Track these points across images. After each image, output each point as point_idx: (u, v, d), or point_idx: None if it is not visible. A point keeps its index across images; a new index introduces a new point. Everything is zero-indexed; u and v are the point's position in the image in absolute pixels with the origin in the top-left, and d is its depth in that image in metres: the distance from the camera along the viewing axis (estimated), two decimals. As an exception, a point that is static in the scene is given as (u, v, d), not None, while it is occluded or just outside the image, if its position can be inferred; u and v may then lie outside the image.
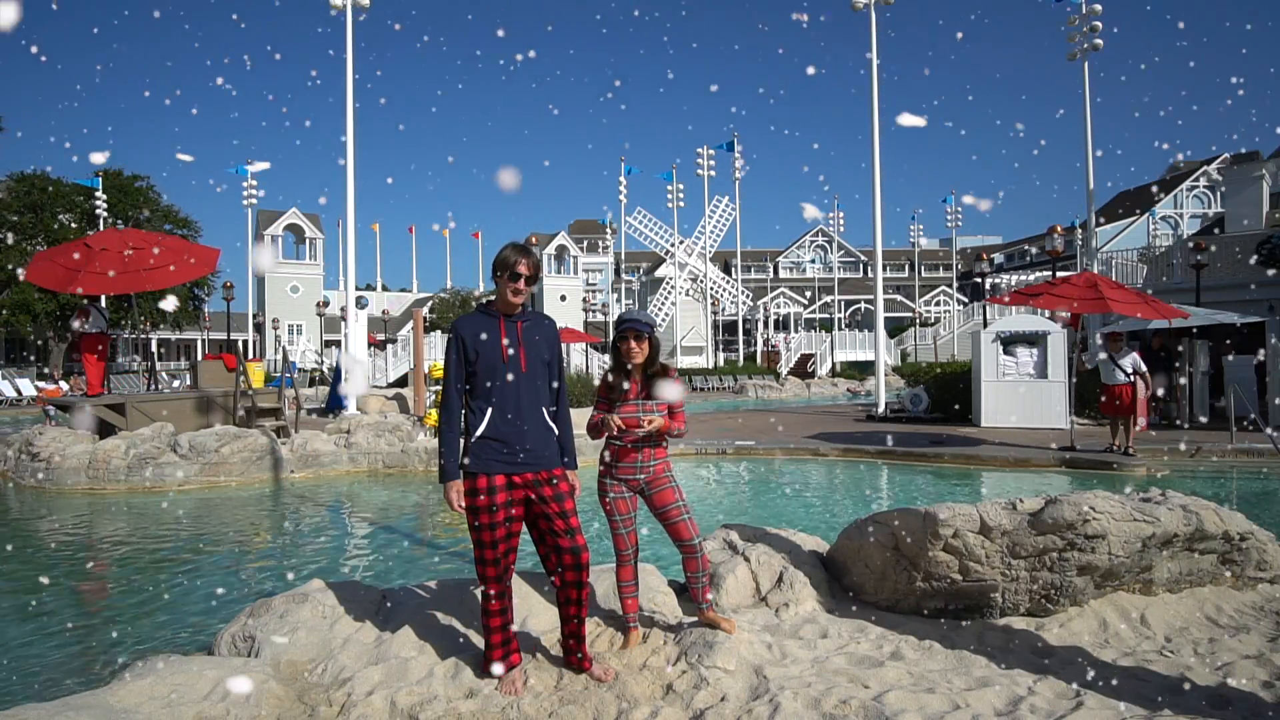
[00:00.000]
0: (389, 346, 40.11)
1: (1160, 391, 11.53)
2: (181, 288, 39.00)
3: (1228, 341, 15.22)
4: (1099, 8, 20.06)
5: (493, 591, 3.34)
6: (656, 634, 3.85)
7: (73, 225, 38.88)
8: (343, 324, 18.58)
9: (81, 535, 8.01)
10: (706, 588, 3.87)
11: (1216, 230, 27.95)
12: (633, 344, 3.67)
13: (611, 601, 4.07)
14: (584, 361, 36.50)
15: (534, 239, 51.84)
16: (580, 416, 4.97)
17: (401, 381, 34.31)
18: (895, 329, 53.06)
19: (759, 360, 43.79)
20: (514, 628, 3.47)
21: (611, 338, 3.78)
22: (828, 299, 68.56)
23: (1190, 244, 19.68)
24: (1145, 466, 10.69)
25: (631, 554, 3.80)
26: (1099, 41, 20.07)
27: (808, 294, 70.21)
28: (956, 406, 16.39)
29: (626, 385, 3.71)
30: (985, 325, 20.29)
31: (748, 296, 50.35)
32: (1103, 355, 11.71)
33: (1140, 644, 3.94)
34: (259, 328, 47.11)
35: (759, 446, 12.89)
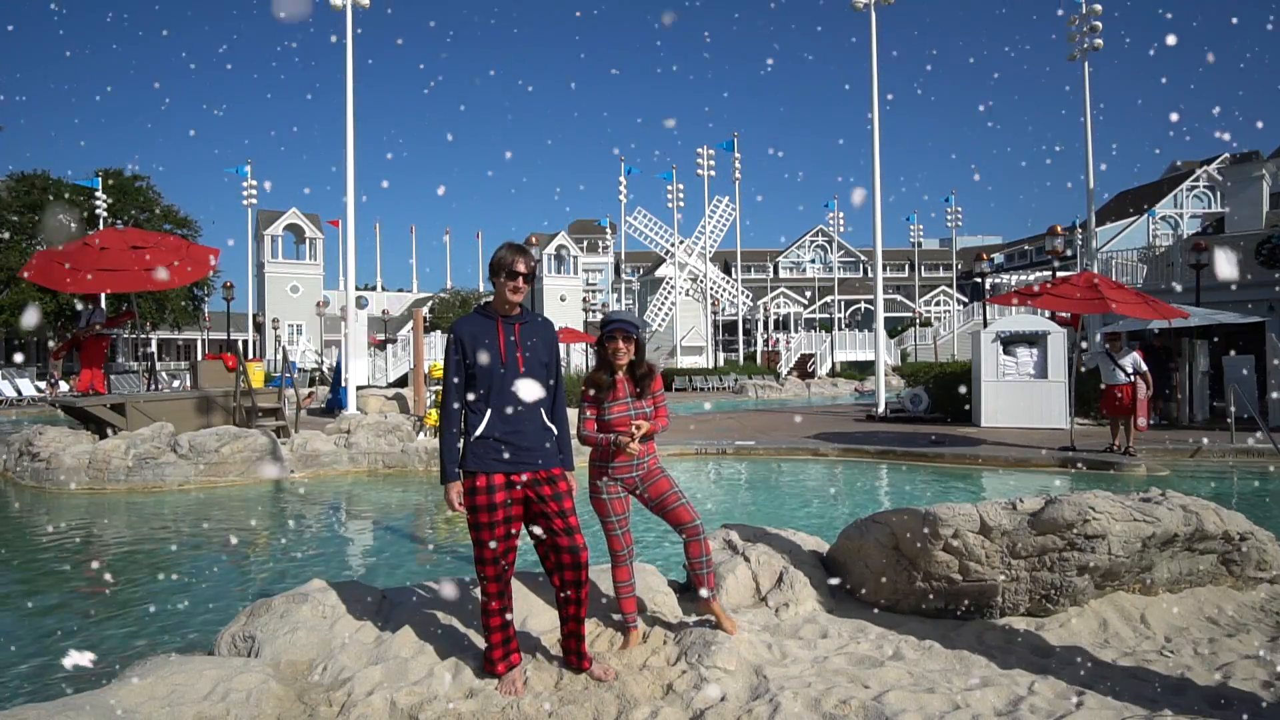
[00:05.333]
0: (389, 346, 40.09)
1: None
2: (181, 288, 38.96)
3: (1217, 346, 15.22)
4: (1099, 8, 20.06)
5: (493, 591, 3.34)
6: (656, 634, 3.85)
7: (72, 225, 38.88)
8: (343, 324, 18.57)
9: (81, 535, 8.01)
10: (711, 574, 3.86)
11: (1215, 230, 27.95)
12: (620, 344, 3.71)
13: (611, 601, 4.07)
14: (584, 361, 36.48)
15: (534, 239, 51.79)
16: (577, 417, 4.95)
17: (401, 381, 34.30)
18: (895, 329, 53.07)
19: (759, 360, 43.80)
20: (514, 628, 3.47)
21: (598, 337, 3.80)
22: (828, 299, 68.55)
23: (1191, 244, 19.68)
24: (1145, 466, 10.69)
25: (627, 554, 3.81)
26: (1099, 41, 20.07)
27: (808, 294, 70.19)
28: (966, 407, 16.36)
29: (613, 385, 3.73)
30: (985, 325, 20.29)
31: (748, 296, 50.35)
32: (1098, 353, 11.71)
33: (1140, 644, 3.94)
34: (259, 328, 47.08)
35: (759, 446, 12.89)
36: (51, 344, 39.55)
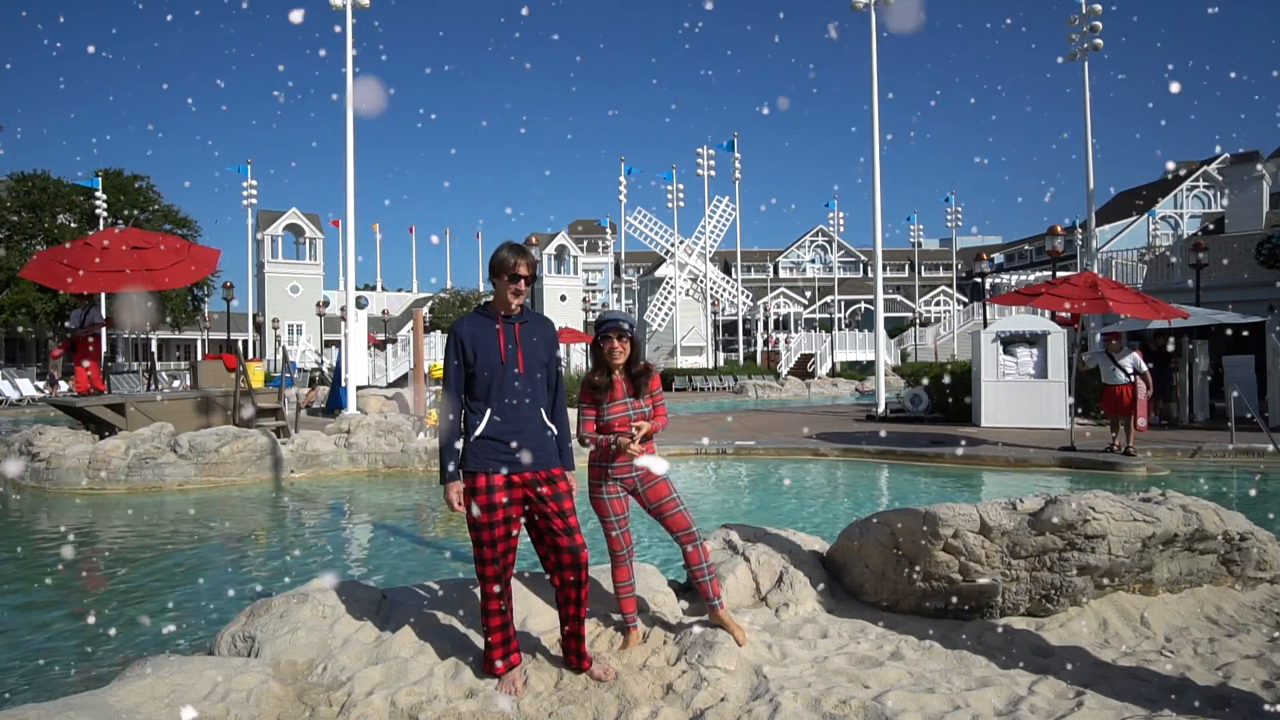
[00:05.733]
0: (389, 346, 40.10)
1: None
2: (181, 288, 38.95)
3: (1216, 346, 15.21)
4: (1099, 8, 20.06)
5: (492, 591, 3.34)
6: (656, 634, 3.85)
7: (72, 225, 38.92)
8: (343, 324, 18.57)
9: (81, 535, 8.01)
10: (715, 581, 3.83)
11: (1214, 228, 27.95)
12: (615, 344, 3.69)
13: (611, 601, 4.07)
14: (584, 361, 36.50)
15: (534, 239, 51.75)
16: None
17: (401, 381, 34.29)
18: (895, 329, 53.07)
19: (759, 360, 43.81)
20: (514, 628, 3.47)
21: (593, 338, 3.78)
22: (828, 299, 68.55)
23: (1191, 244, 19.69)
24: (1145, 466, 10.69)
25: (626, 554, 3.80)
26: (1099, 41, 20.07)
27: (808, 294, 70.20)
28: (967, 400, 16.27)
29: (610, 385, 3.73)
30: (985, 325, 20.29)
31: (748, 296, 50.32)
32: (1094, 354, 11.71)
33: (1140, 644, 3.94)
34: (259, 328, 47.10)
35: (759, 446, 12.89)
36: (51, 343, 39.56)
